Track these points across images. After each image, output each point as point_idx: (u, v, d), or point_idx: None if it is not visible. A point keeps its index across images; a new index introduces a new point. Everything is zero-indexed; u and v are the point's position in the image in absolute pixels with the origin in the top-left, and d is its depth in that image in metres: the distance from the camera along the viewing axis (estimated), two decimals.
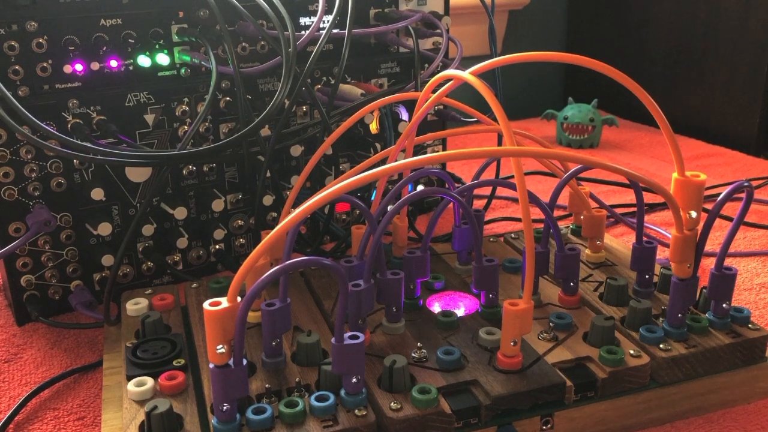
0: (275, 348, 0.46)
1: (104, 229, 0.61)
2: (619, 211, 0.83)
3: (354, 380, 0.42)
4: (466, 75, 0.46)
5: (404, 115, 0.72)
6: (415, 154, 0.60)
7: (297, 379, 0.45)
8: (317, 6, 0.66)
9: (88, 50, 0.58)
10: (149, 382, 0.45)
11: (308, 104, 0.70)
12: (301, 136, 0.65)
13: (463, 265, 0.60)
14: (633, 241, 0.55)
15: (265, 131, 0.65)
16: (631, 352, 0.47)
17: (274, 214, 0.71)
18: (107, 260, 0.62)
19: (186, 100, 0.64)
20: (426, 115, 0.53)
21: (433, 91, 0.51)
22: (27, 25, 0.55)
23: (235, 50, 0.63)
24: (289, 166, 0.70)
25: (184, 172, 0.65)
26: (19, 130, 0.52)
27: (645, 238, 0.55)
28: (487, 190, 0.82)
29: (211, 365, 0.39)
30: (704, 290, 0.52)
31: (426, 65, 0.72)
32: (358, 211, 0.77)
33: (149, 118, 0.62)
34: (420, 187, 0.75)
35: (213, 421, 0.41)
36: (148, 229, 0.63)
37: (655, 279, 0.56)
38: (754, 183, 0.95)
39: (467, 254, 0.60)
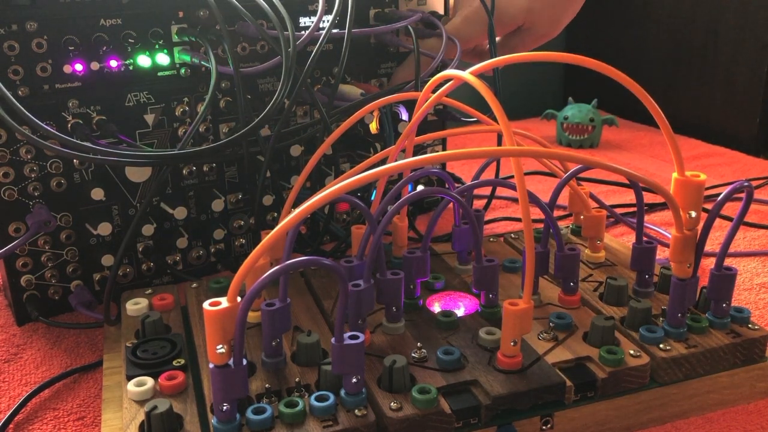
0: (275, 348, 0.46)
1: (104, 229, 0.61)
2: (619, 211, 0.83)
3: (354, 380, 0.42)
4: (466, 75, 0.46)
5: (404, 115, 0.72)
6: (415, 154, 0.60)
7: (297, 379, 0.45)
8: (317, 6, 0.66)
9: (88, 50, 0.58)
10: (149, 382, 0.45)
11: (308, 104, 0.70)
12: (301, 135, 0.65)
13: (463, 265, 0.60)
14: (633, 241, 0.55)
15: (265, 131, 0.65)
16: (631, 352, 0.47)
17: (275, 214, 0.71)
18: (107, 260, 0.62)
19: (186, 100, 0.64)
20: (426, 115, 0.53)
21: (433, 91, 0.51)
22: (27, 25, 0.55)
23: (234, 50, 0.63)
24: (289, 166, 0.71)
25: (184, 172, 0.65)
26: (19, 130, 0.52)
27: (645, 238, 0.55)
28: (487, 190, 0.82)
29: (211, 365, 0.39)
30: (704, 290, 0.52)
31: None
32: (358, 211, 0.77)
33: (149, 118, 0.62)
34: (420, 187, 0.75)
35: (213, 421, 0.41)
36: (148, 229, 0.63)
37: (655, 279, 0.56)
38: (754, 183, 0.95)
39: (467, 254, 0.60)
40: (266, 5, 0.59)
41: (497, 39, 0.77)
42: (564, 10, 0.76)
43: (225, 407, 0.40)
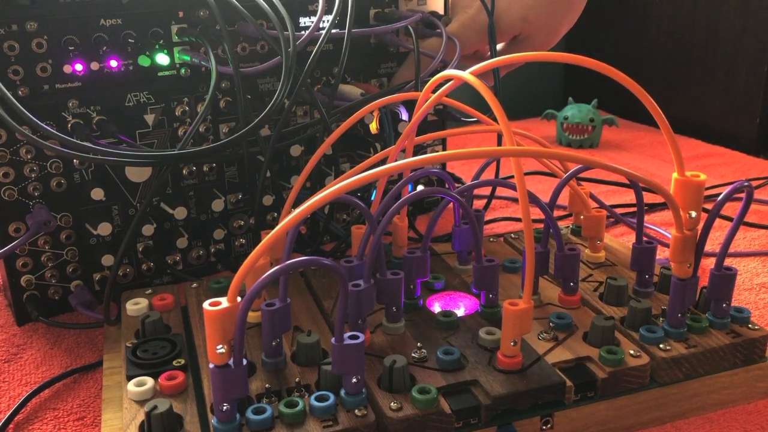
0: (275, 348, 0.46)
1: (104, 229, 0.61)
2: (619, 211, 0.83)
3: (354, 380, 0.42)
4: (466, 75, 0.46)
5: (404, 115, 0.72)
6: (415, 154, 0.60)
7: (297, 379, 0.45)
8: (317, 6, 0.66)
9: (88, 50, 0.58)
10: (149, 382, 0.45)
11: (308, 104, 0.70)
12: (301, 135, 0.65)
13: (463, 265, 0.60)
14: (633, 241, 0.55)
15: (265, 131, 0.65)
16: (631, 352, 0.47)
17: (275, 214, 0.71)
18: (107, 260, 0.62)
19: (186, 100, 0.64)
20: (426, 115, 0.53)
21: (433, 91, 0.51)
22: (27, 25, 0.55)
23: (234, 50, 0.63)
24: (289, 166, 0.71)
25: (184, 172, 0.65)
26: (19, 130, 0.52)
27: (645, 238, 0.55)
28: (487, 190, 0.82)
29: (211, 365, 0.39)
30: (704, 290, 0.52)
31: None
32: (358, 211, 0.77)
33: (149, 118, 0.62)
34: (420, 187, 0.75)
35: (213, 421, 0.41)
36: (148, 229, 0.63)
37: (655, 279, 0.56)
38: (754, 183, 0.95)
39: (467, 254, 0.60)
40: (266, 5, 0.59)
41: (498, 47, 0.77)
42: (560, 19, 0.75)
43: (225, 407, 0.40)
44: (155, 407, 0.41)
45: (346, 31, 0.63)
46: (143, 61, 0.61)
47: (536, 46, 0.77)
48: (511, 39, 0.77)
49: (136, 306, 0.54)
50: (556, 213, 0.80)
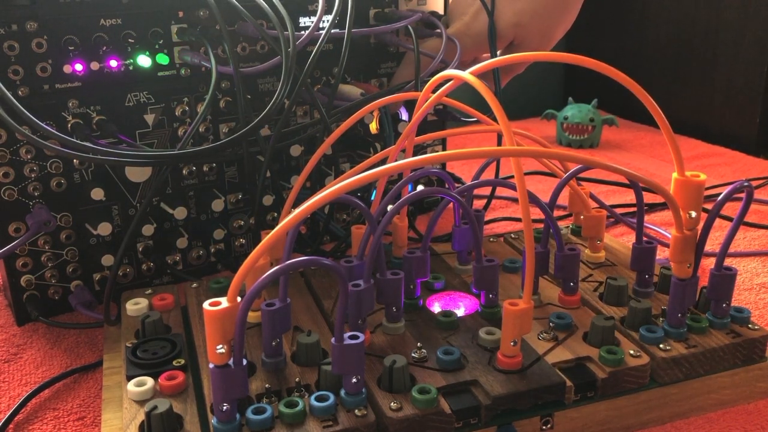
0: (275, 348, 0.46)
1: (104, 229, 0.61)
2: (619, 211, 0.83)
3: (354, 380, 0.42)
4: (466, 75, 0.46)
5: (404, 115, 0.72)
6: (415, 154, 0.60)
7: (297, 379, 0.45)
8: (317, 6, 0.66)
9: (88, 50, 0.58)
10: (149, 382, 0.45)
11: (308, 104, 0.70)
12: (301, 135, 0.65)
13: (463, 265, 0.60)
14: (633, 241, 0.55)
15: (265, 131, 0.65)
16: (631, 352, 0.47)
17: (275, 214, 0.71)
18: (107, 260, 0.62)
19: (186, 100, 0.64)
20: (426, 115, 0.53)
21: (433, 91, 0.51)
22: (27, 25, 0.55)
23: (234, 50, 0.63)
24: (289, 166, 0.71)
25: (184, 172, 0.65)
26: (19, 130, 0.52)
27: (645, 238, 0.55)
28: (487, 190, 0.82)
29: (211, 365, 0.39)
30: (704, 290, 0.52)
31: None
32: (358, 211, 0.77)
33: (149, 118, 0.62)
34: (420, 187, 0.75)
35: (213, 421, 0.41)
36: (148, 229, 0.63)
37: (655, 279, 0.56)
38: (754, 183, 0.95)
39: (467, 254, 0.60)
40: (266, 5, 0.59)
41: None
42: (555, 23, 0.75)
43: (225, 407, 0.40)
44: (155, 407, 0.41)
45: (346, 31, 0.63)
46: (143, 61, 0.61)
47: (532, 51, 0.76)
48: (507, 45, 0.77)
49: (136, 306, 0.54)
50: (556, 213, 0.80)
